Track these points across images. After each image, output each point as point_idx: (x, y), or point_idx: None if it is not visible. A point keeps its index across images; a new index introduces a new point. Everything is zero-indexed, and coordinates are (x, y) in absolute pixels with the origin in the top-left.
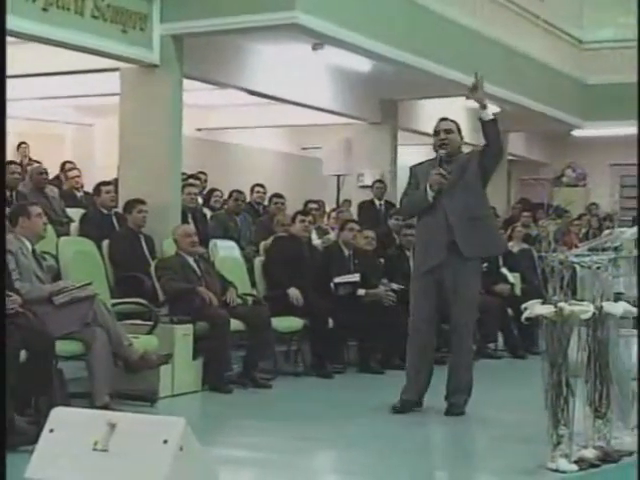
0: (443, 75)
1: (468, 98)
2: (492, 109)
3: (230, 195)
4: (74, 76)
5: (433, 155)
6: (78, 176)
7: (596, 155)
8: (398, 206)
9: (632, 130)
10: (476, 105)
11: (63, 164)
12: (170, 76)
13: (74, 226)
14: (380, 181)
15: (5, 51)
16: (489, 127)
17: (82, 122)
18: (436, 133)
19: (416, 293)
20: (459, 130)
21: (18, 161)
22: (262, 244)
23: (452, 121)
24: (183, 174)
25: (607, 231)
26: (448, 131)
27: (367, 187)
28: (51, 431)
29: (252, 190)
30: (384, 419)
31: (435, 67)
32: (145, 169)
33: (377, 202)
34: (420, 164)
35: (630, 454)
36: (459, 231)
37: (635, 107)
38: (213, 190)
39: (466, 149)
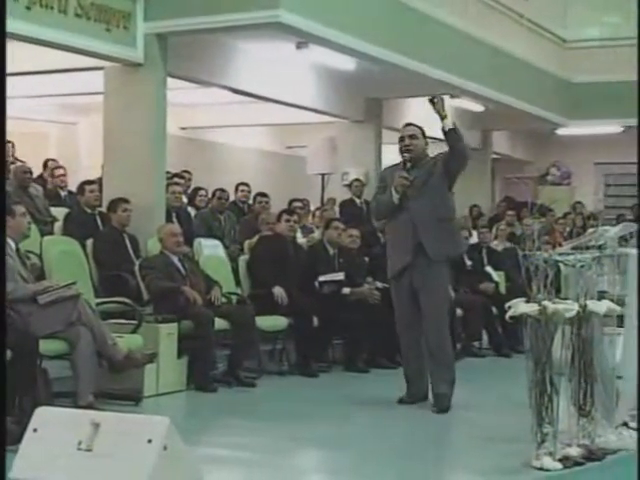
0: (427, 74)
1: (452, 97)
2: (450, 121)
3: (214, 194)
4: (58, 75)
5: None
6: (64, 175)
7: (581, 154)
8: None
9: (616, 129)
10: (461, 104)
11: (46, 162)
12: (154, 75)
13: (58, 225)
14: (358, 180)
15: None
16: (450, 136)
17: (66, 121)
18: (401, 139)
19: (393, 297)
20: (424, 135)
21: None
22: (246, 243)
23: (417, 126)
24: (167, 173)
25: (591, 230)
26: (412, 137)
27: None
28: (35, 431)
29: (237, 189)
30: (369, 418)
31: (419, 66)
32: (129, 168)
33: (357, 201)
34: (389, 168)
35: (614, 452)
36: (425, 233)
37: (619, 106)
38: (198, 189)
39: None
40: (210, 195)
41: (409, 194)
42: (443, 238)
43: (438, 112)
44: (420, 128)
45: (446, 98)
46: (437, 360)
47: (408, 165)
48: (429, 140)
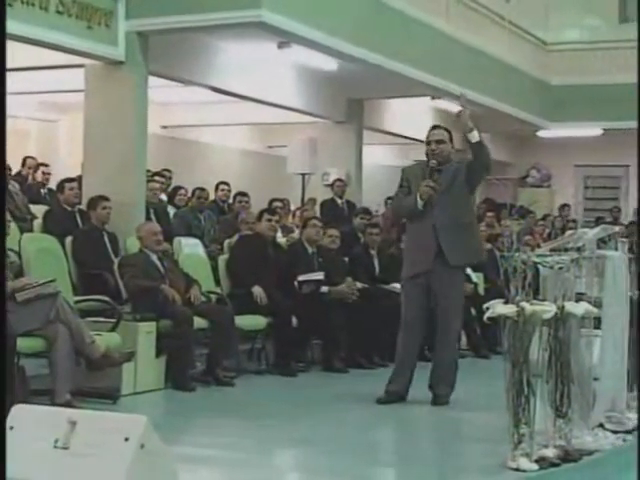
0: (409, 75)
1: (433, 99)
2: (476, 133)
3: (193, 193)
4: (39, 72)
5: (423, 158)
6: (49, 173)
7: (561, 156)
8: (391, 206)
9: (596, 131)
10: (442, 105)
11: (24, 159)
12: (135, 73)
13: (37, 223)
14: (340, 180)
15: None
16: (476, 149)
17: (47, 118)
18: (428, 143)
19: (405, 296)
20: (451, 139)
21: None
22: (226, 242)
23: (445, 130)
24: (148, 171)
25: (570, 232)
26: (439, 142)
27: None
28: (11, 428)
29: (217, 188)
30: (348, 417)
31: (401, 67)
32: (110, 166)
33: (339, 200)
34: (411, 167)
35: (590, 453)
36: (445, 239)
37: (600, 108)
38: (178, 188)
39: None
40: (190, 194)
41: (433, 199)
42: (464, 244)
43: (465, 124)
44: (448, 131)
45: (427, 99)
46: (442, 362)
47: (434, 169)
48: (410, 141)
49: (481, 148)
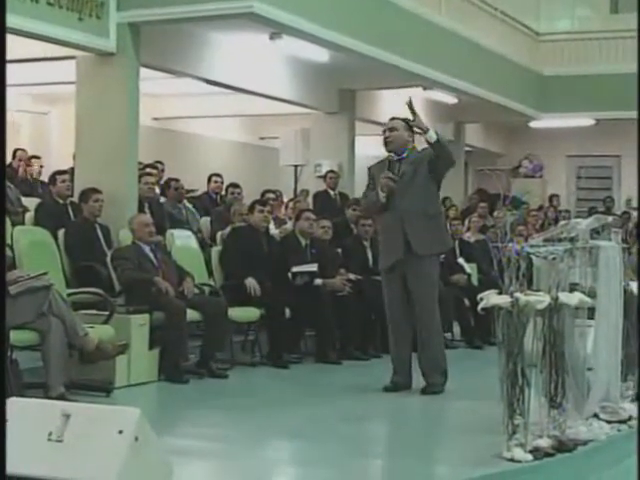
0: (401, 66)
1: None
2: (432, 132)
3: (168, 184)
4: (30, 64)
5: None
6: (42, 166)
7: (553, 146)
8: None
9: (588, 122)
10: (433, 96)
11: (15, 152)
12: (127, 64)
13: (29, 215)
14: (333, 171)
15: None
16: (436, 148)
17: (38, 110)
18: (383, 132)
19: (385, 289)
20: (409, 127)
21: None
22: (219, 234)
23: (401, 119)
24: (140, 164)
25: (563, 222)
26: (392, 129)
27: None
28: (5, 422)
29: (209, 180)
30: (341, 408)
31: (393, 58)
32: (101, 158)
33: (331, 192)
34: (376, 164)
35: (585, 443)
36: (411, 228)
37: (592, 99)
38: (171, 180)
39: None
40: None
41: (397, 191)
42: (430, 235)
43: (418, 126)
44: (404, 120)
45: (419, 90)
46: (428, 350)
47: (393, 158)
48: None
49: (441, 147)
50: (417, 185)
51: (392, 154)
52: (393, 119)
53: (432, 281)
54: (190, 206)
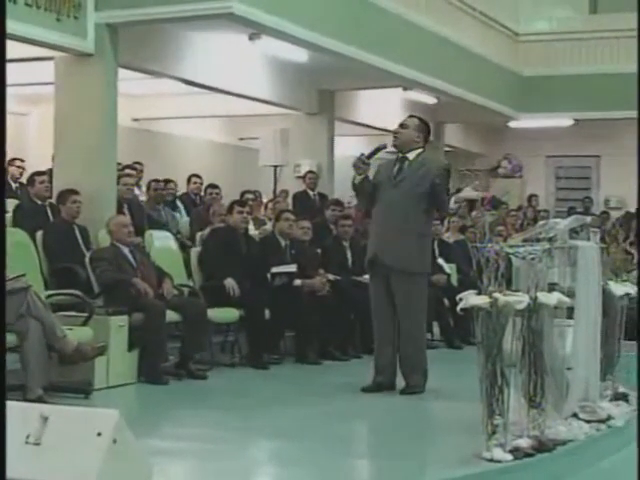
0: (380, 66)
1: (405, 90)
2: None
3: (148, 186)
4: (7, 65)
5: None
6: (23, 168)
7: (532, 147)
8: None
9: (567, 122)
10: (413, 97)
11: None
12: (105, 65)
13: (7, 217)
14: (312, 172)
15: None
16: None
17: (17, 111)
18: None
19: (370, 286)
20: (420, 129)
21: None
22: (198, 235)
23: (418, 118)
24: (119, 164)
25: (542, 222)
26: (402, 125)
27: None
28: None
29: (189, 181)
30: (321, 409)
31: (372, 58)
32: (80, 159)
33: (311, 193)
34: (384, 162)
35: (564, 443)
36: (384, 240)
37: (571, 99)
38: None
39: None
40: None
41: (364, 172)
42: (403, 250)
43: None
44: (420, 120)
45: (398, 90)
46: (407, 350)
47: (399, 157)
48: (381, 132)
49: (440, 189)
50: (409, 196)
51: (393, 144)
52: (411, 117)
53: (419, 292)
54: (167, 206)
